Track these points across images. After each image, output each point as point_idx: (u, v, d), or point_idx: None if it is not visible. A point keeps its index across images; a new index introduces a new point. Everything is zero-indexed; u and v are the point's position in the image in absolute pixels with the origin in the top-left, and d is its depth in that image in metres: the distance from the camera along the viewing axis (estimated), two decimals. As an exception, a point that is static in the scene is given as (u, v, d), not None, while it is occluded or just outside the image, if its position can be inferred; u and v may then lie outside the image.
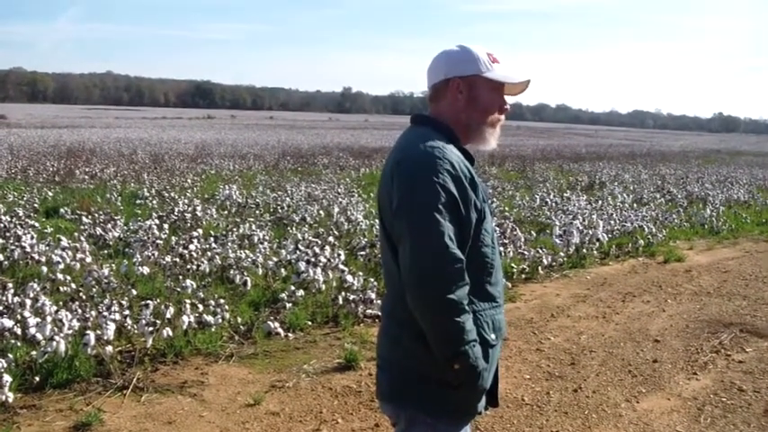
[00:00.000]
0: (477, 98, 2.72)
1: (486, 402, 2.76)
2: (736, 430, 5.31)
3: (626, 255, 11.87)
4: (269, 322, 7.03)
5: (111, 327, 6.03)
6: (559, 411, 5.56)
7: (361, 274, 8.43)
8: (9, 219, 10.54)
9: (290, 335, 7.03)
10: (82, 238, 9.54)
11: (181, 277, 7.99)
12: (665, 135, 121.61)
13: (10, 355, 5.51)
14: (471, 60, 2.70)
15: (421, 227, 2.42)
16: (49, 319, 5.96)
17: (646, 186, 22.12)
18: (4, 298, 6.46)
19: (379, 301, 7.56)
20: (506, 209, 15.12)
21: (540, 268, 10.14)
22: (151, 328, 6.17)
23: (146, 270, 8.24)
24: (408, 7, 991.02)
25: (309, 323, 7.41)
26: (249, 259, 8.75)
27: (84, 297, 6.94)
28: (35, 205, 13.40)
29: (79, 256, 8.51)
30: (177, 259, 8.53)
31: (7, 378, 5.15)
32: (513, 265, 9.85)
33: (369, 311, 7.61)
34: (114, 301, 6.62)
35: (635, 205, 17.28)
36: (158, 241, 9.58)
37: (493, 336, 2.63)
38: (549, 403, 5.70)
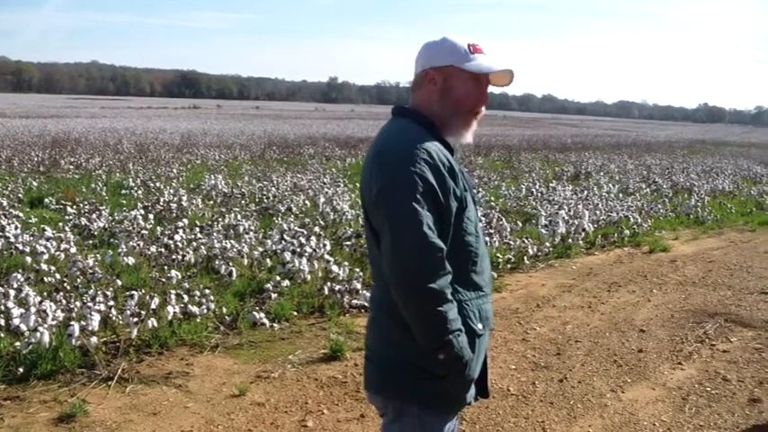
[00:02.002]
0: (451, 89, 2.70)
1: (475, 393, 2.77)
2: (720, 419, 5.33)
3: (611, 245, 11.91)
4: (254, 313, 7.02)
5: (96, 317, 6.00)
6: (545, 401, 5.57)
7: (346, 264, 8.43)
8: (-7, 209, 10.48)
9: (275, 325, 7.01)
10: (66, 229, 9.50)
11: (166, 267, 7.97)
12: (651, 125, 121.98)
13: (-7, 346, 5.50)
14: (449, 51, 2.69)
15: (400, 216, 2.42)
16: (33, 309, 5.92)
17: (631, 176, 22.17)
18: (-12, 289, 6.43)
19: (364, 292, 7.57)
20: (492, 199, 15.16)
21: (525, 258, 10.15)
22: (136, 319, 6.15)
23: (131, 260, 8.21)
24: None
25: (295, 313, 7.40)
26: (235, 249, 8.72)
27: (68, 288, 6.91)
28: (19, 195, 13.32)
29: (64, 246, 8.47)
30: (162, 249, 8.50)
31: (-9, 369, 5.12)
32: (498, 255, 9.86)
33: (354, 302, 7.61)
34: (99, 292, 6.57)
35: (620, 195, 17.34)
36: (143, 231, 9.55)
37: (480, 325, 2.63)
38: (535, 393, 5.71)
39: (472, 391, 2.74)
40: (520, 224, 12.29)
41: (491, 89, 2.80)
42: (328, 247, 8.86)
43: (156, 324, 6.31)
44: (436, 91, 2.70)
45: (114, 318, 6.34)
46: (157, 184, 15.05)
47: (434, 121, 2.69)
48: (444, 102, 2.71)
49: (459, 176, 2.62)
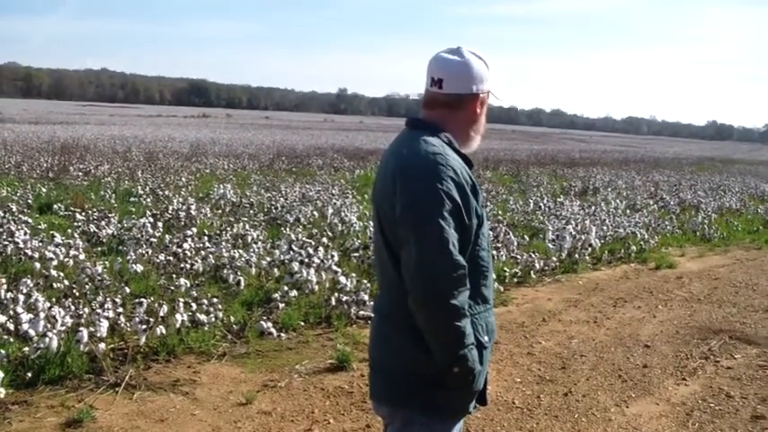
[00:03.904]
0: (485, 112, 2.80)
1: (475, 401, 2.81)
2: (724, 436, 5.35)
3: (618, 260, 11.92)
4: (262, 322, 7.04)
5: (105, 324, 6.04)
6: (549, 415, 5.59)
7: (354, 275, 8.45)
8: (2, 214, 10.53)
9: (282, 335, 7.04)
10: (75, 235, 9.56)
11: (174, 276, 8.02)
12: (659, 142, 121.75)
13: (2, 351, 5.55)
14: (488, 76, 2.75)
15: (426, 235, 2.44)
16: (41, 315, 5.96)
17: (639, 193, 22.17)
18: (-2, 294, 6.47)
19: (371, 303, 7.57)
20: (500, 213, 15.18)
21: (532, 272, 10.17)
22: (144, 326, 6.20)
23: (139, 268, 8.24)
24: (404, 10, 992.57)
25: (302, 323, 7.43)
26: (243, 259, 8.76)
27: (77, 294, 6.96)
28: (29, 201, 13.37)
29: (72, 252, 8.52)
30: (171, 258, 8.55)
31: (-1, 373, 5.16)
32: (505, 268, 9.87)
33: (361, 312, 7.63)
34: (107, 299, 6.62)
35: (628, 211, 17.34)
36: (152, 239, 9.60)
37: (486, 338, 2.68)
38: (540, 407, 5.73)
39: (473, 399, 2.78)
40: (527, 238, 12.32)
41: (496, 102, 2.88)
42: (336, 258, 8.89)
43: (164, 331, 6.35)
44: (480, 113, 2.77)
45: (122, 324, 6.38)
46: (166, 193, 15.09)
47: (457, 137, 2.73)
48: (479, 124, 2.80)
49: (479, 193, 2.66)
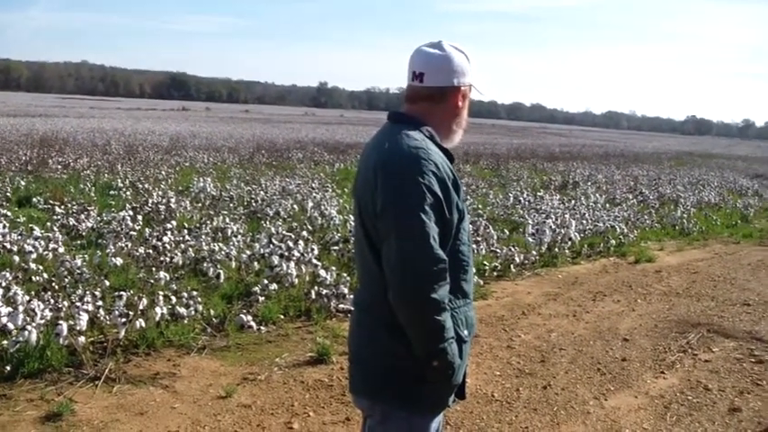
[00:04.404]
0: (467, 105, 2.81)
1: (454, 395, 2.82)
2: (700, 428, 5.40)
3: (597, 254, 11.98)
4: (242, 315, 7.04)
5: (84, 317, 6.02)
6: (528, 408, 5.62)
7: (334, 268, 8.45)
8: (-19, 207, 10.46)
9: (262, 328, 7.04)
10: (55, 228, 9.52)
11: (154, 269, 7.99)
12: (639, 136, 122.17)
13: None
14: (470, 69, 2.75)
15: (407, 228, 2.46)
16: (21, 308, 5.93)
17: (618, 187, 22.26)
18: (-24, 287, 6.44)
19: (351, 296, 7.58)
20: (480, 207, 15.20)
21: (512, 266, 10.20)
22: (124, 320, 6.17)
23: (119, 261, 8.22)
24: (385, 4, 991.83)
25: (282, 317, 7.43)
26: (223, 252, 8.75)
27: (56, 287, 6.92)
28: (7, 194, 13.29)
29: (52, 246, 8.47)
30: (150, 251, 8.52)
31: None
32: (485, 262, 9.91)
33: (341, 306, 7.64)
34: (87, 292, 6.60)
35: (607, 205, 17.41)
36: (132, 233, 9.56)
37: (466, 332, 2.69)
38: (519, 399, 5.77)
39: (453, 393, 2.80)
40: (507, 232, 12.36)
41: (478, 96, 2.89)
42: (316, 252, 8.88)
43: (143, 325, 6.33)
44: (461, 107, 2.77)
45: (102, 318, 6.35)
46: (146, 186, 15.01)
47: (439, 130, 2.74)
48: (461, 117, 2.80)
49: (461, 188, 2.67)
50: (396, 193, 2.50)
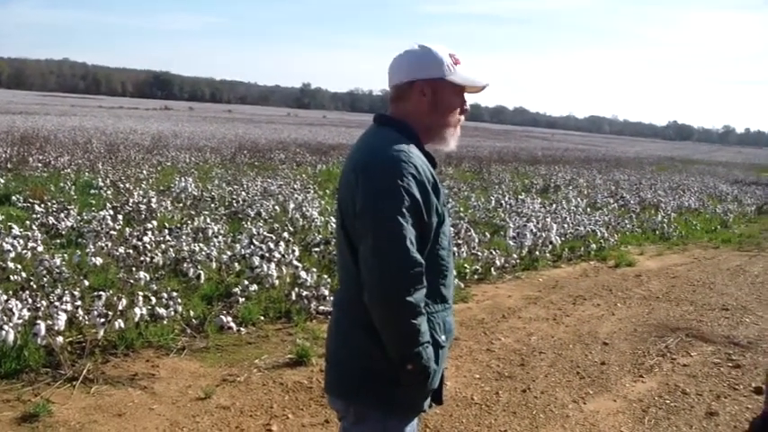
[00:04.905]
0: (441, 101, 2.75)
1: (430, 400, 2.82)
2: (678, 432, 5.42)
3: (578, 258, 12.01)
4: (221, 316, 7.01)
5: (63, 317, 5.98)
6: (508, 411, 5.63)
7: (314, 270, 8.43)
8: (-41, 205, 10.38)
9: (242, 329, 7.02)
10: (34, 227, 9.45)
11: (134, 269, 7.94)
12: (621, 141, 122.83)
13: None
14: (436, 63, 2.71)
15: (384, 230, 2.46)
16: (-2, 307, 5.89)
17: (600, 191, 22.36)
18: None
19: (331, 298, 7.57)
20: (461, 209, 15.23)
21: (492, 269, 10.21)
22: (103, 320, 6.13)
23: (98, 261, 8.17)
24: (369, 6, 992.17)
25: (262, 318, 7.41)
26: (203, 253, 8.71)
27: (34, 286, 6.87)
28: (-14, 192, 13.20)
29: (31, 244, 8.40)
30: (131, 251, 8.47)
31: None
32: (466, 265, 9.91)
33: (321, 308, 7.62)
34: (66, 292, 6.55)
35: (588, 209, 17.45)
36: (112, 232, 9.50)
37: (443, 337, 2.68)
38: (498, 403, 5.77)
39: (428, 398, 2.79)
40: (488, 235, 12.37)
41: (477, 87, 2.86)
42: (297, 253, 8.86)
43: (122, 325, 6.29)
44: (427, 103, 2.73)
45: (81, 318, 6.31)
46: (127, 185, 14.94)
47: (419, 131, 2.73)
48: (434, 114, 2.75)
49: (441, 192, 2.66)
50: (374, 195, 2.50)
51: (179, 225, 10.41)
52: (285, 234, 10.05)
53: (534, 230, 11.87)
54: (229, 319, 7.00)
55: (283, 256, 8.50)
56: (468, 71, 2.77)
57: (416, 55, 2.75)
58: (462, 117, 2.85)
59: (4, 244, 8.16)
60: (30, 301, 6.23)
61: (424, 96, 2.73)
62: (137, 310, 6.46)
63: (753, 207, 22.18)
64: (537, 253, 11.40)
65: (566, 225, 13.66)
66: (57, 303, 6.14)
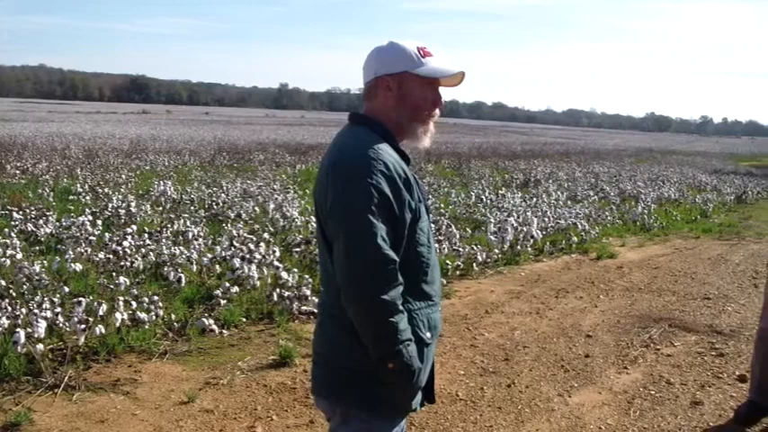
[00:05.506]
0: (407, 95, 2.71)
1: (421, 398, 2.80)
2: (663, 422, 5.43)
3: (559, 251, 12.03)
4: (203, 319, 6.98)
5: (43, 324, 5.93)
6: (493, 406, 5.62)
7: (296, 270, 8.42)
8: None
9: (224, 332, 6.99)
10: (12, 234, 9.38)
11: (114, 274, 7.90)
12: (600, 133, 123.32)
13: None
14: (400, 57, 2.69)
15: (354, 228, 2.44)
16: (-23, 316, 5.85)
17: (580, 184, 22.44)
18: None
19: (313, 298, 7.56)
20: (442, 206, 15.23)
21: (474, 265, 10.21)
22: (83, 326, 6.10)
23: (78, 267, 8.11)
24: (346, 4, 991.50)
25: (244, 320, 7.38)
26: (184, 256, 8.68)
27: (14, 294, 6.83)
28: (-36, 200, 13.09)
29: (9, 252, 8.35)
30: (111, 256, 8.43)
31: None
32: (447, 261, 9.91)
33: (303, 308, 7.60)
34: (46, 299, 6.52)
35: (569, 203, 17.52)
36: (91, 238, 9.46)
37: (428, 334, 2.65)
38: (483, 398, 5.77)
39: (418, 397, 2.77)
40: (469, 231, 12.38)
41: (441, 91, 2.82)
42: (278, 254, 8.84)
43: (103, 331, 6.26)
44: (392, 98, 2.70)
45: (61, 324, 6.27)
46: (106, 190, 14.88)
47: (391, 128, 2.71)
48: (401, 108, 2.72)
49: (415, 187, 2.64)
50: (344, 193, 2.49)
51: (159, 229, 10.36)
52: (266, 235, 10.05)
53: (515, 225, 11.89)
54: (211, 321, 6.97)
55: (264, 257, 8.48)
56: (439, 63, 2.74)
57: (383, 51, 2.74)
58: (437, 111, 2.82)
59: (-18, 252, 8.10)
60: (9, 308, 6.20)
61: (390, 91, 2.71)
62: (117, 315, 6.42)
63: (732, 196, 22.28)
64: (518, 247, 11.40)
65: (546, 219, 13.68)
66: (36, 310, 6.11)
